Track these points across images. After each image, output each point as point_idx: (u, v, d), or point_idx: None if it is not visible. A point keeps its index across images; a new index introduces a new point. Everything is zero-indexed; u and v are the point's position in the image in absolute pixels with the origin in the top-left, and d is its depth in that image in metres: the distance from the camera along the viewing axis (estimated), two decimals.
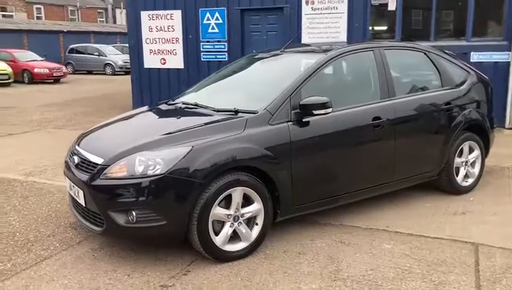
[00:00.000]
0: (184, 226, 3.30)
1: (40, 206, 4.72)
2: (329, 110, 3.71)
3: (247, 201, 3.54)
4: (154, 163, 3.26)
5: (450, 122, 4.70)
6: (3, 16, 33.85)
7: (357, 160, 4.10)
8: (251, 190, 3.49)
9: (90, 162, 3.52)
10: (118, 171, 3.32)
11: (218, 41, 10.40)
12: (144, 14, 11.01)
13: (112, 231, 3.39)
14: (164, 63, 11.00)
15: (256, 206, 3.55)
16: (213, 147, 3.39)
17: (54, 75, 20.88)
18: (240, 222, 3.51)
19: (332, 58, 4.13)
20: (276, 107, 3.70)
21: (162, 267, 3.43)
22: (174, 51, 10.89)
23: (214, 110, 3.92)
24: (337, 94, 4.07)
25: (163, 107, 4.45)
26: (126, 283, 3.22)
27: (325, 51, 4.25)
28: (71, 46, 27.01)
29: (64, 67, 22.09)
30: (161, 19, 10.86)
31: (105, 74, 25.40)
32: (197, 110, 4.10)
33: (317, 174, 3.89)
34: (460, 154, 4.89)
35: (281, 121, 3.68)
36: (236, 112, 3.76)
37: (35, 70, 20.49)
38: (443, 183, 4.87)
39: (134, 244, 3.75)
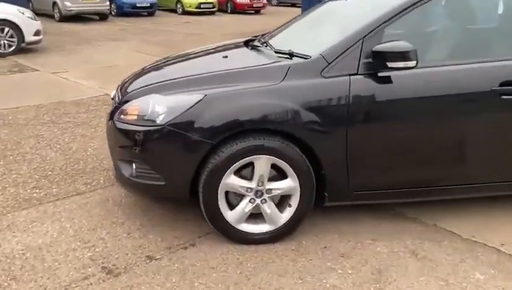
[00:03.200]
0: (186, 191, 2.68)
1: None
2: (411, 63, 2.50)
3: (282, 175, 2.71)
4: (159, 110, 2.66)
5: None
6: None
7: (465, 142, 2.78)
8: (283, 162, 2.63)
9: (114, 98, 3.11)
10: (131, 112, 2.81)
11: None
12: None
13: (120, 181, 2.96)
14: None
15: (289, 183, 2.69)
16: (231, 99, 2.61)
17: (254, 6, 21.38)
18: (264, 199, 2.71)
19: None
20: (336, 53, 2.65)
21: (169, 233, 2.90)
22: None
23: (274, 52, 3.06)
24: (446, 42, 2.77)
25: (239, 44, 3.71)
26: (119, 242, 2.81)
27: None
28: None
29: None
30: None
31: None
32: (260, 49, 3.28)
33: (392, 154, 2.76)
34: None
35: (341, 72, 2.64)
36: (291, 55, 2.84)
37: (238, 0, 21.25)
38: None
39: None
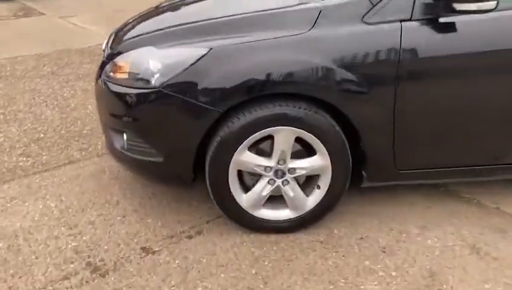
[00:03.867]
0: (189, 171, 2.16)
1: None
2: (490, 4, 1.84)
3: (310, 150, 2.14)
4: (154, 68, 2.09)
5: None
6: None
7: None
8: (309, 134, 2.06)
9: (105, 51, 2.54)
10: (122, 69, 2.24)
11: None
12: None
13: (111, 153, 2.45)
14: None
15: (317, 161, 2.13)
16: (244, 54, 2.01)
17: None
18: (287, 180, 2.16)
19: None
20: None
21: (172, 217, 2.41)
22: None
23: None
24: None
25: None
26: (110, 227, 2.33)
27: None
28: None
29: None
30: None
31: None
32: None
33: (452, 124, 2.15)
34: None
35: (389, 17, 1.99)
36: None
37: None
38: None
39: None
